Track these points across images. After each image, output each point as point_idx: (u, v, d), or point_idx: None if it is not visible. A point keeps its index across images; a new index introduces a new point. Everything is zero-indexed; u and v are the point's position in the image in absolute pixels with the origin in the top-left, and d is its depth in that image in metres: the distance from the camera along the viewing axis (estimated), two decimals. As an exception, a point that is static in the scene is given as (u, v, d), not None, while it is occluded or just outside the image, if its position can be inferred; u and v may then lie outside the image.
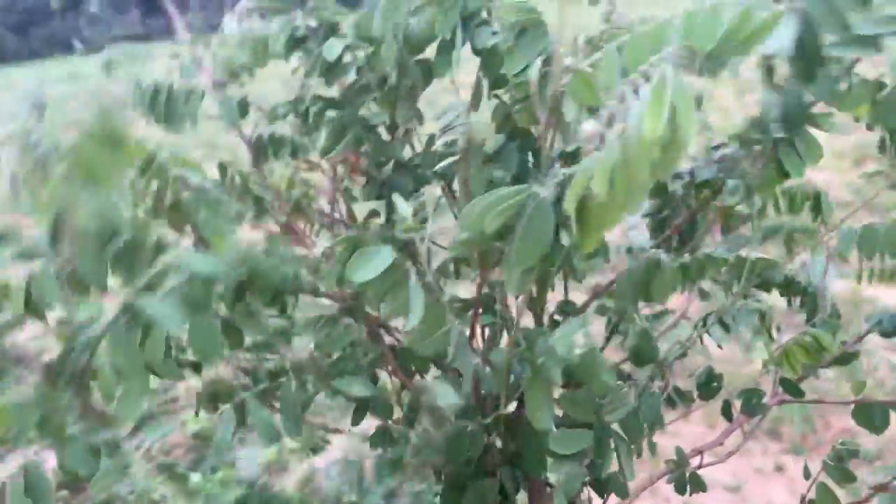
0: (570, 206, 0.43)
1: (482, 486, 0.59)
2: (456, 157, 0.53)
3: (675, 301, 0.90)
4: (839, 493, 0.74)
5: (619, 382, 0.55)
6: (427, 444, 0.53)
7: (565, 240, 0.45)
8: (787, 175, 0.59)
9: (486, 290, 0.60)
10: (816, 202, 0.84)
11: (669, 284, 0.56)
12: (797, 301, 0.83)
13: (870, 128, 0.63)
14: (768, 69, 0.59)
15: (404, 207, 0.57)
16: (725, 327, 0.80)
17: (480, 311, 0.62)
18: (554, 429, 0.54)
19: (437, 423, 0.56)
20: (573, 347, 0.47)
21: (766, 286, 0.82)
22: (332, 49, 0.59)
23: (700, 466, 0.75)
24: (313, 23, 0.62)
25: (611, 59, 0.45)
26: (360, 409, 0.68)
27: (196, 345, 0.63)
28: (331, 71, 0.62)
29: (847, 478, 0.68)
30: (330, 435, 0.82)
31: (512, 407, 0.58)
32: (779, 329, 0.85)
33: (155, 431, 0.48)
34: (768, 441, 2.37)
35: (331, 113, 0.68)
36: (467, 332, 0.60)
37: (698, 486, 0.74)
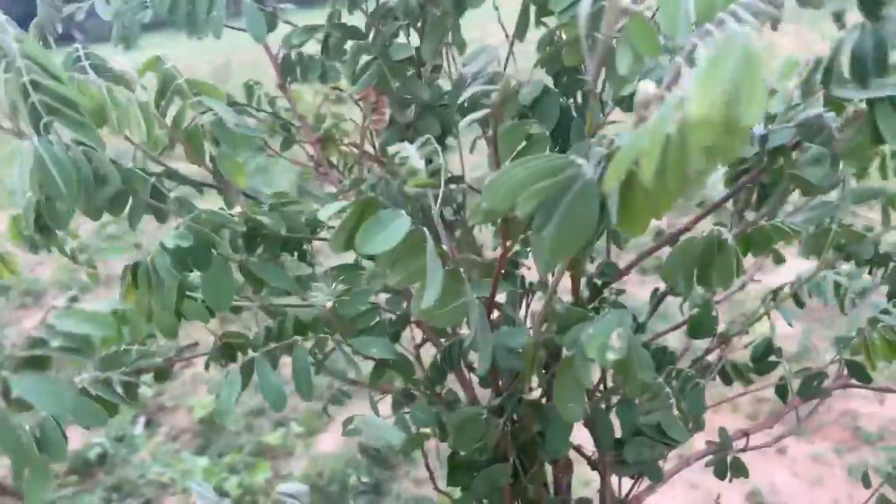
0: (610, 186, 0.35)
1: (493, 472, 0.55)
2: (486, 112, 0.45)
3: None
4: None
5: (658, 380, 0.49)
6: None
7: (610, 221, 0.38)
8: (881, 141, 0.49)
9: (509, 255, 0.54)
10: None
11: (732, 269, 0.48)
12: (879, 274, 0.74)
13: None
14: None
15: (415, 158, 0.50)
16: (800, 303, 0.71)
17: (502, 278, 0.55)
18: (580, 418, 0.49)
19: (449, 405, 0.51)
20: (606, 350, 0.41)
21: (850, 257, 0.73)
22: None
23: (744, 450, 0.69)
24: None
25: (676, 1, 0.36)
26: (380, 367, 0.64)
27: (207, 294, 0.60)
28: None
29: None
30: (349, 388, 0.79)
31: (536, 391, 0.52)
32: (854, 303, 0.76)
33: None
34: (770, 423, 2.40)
35: (353, 43, 0.60)
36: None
37: (740, 471, 0.69)
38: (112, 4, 0.79)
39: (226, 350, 0.69)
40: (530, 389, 0.49)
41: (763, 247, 0.59)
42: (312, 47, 0.77)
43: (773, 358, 0.72)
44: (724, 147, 0.29)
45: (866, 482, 0.65)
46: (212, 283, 0.58)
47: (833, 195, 0.64)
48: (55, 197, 0.51)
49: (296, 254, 0.68)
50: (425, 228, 0.45)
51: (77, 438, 2.32)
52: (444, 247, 0.49)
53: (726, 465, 0.68)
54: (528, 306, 0.66)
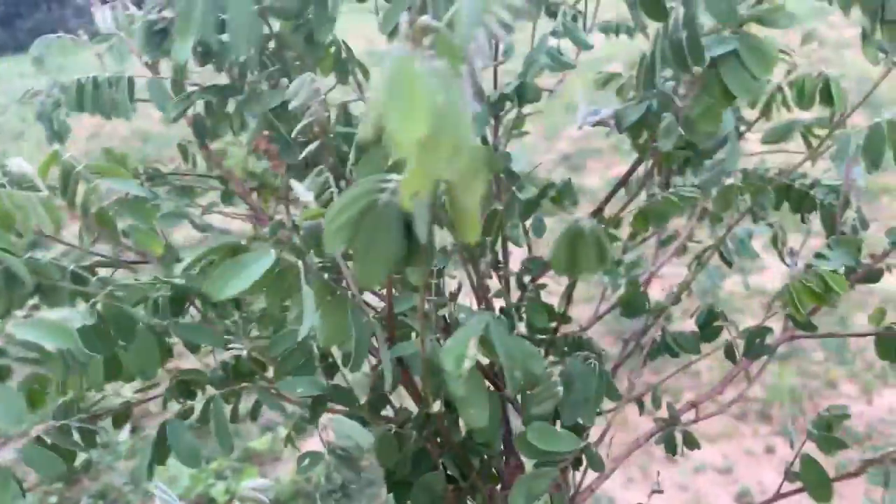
0: (406, 203, 0.36)
1: (426, 481, 0.56)
2: (318, 143, 0.46)
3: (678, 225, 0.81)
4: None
5: (549, 370, 0.49)
6: (342, 461, 0.50)
7: (425, 236, 0.39)
8: (732, 97, 0.49)
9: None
10: (826, 90, 0.71)
11: (594, 256, 0.48)
12: (811, 218, 0.72)
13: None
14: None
15: (303, 192, 0.52)
16: (726, 260, 0.71)
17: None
18: (486, 422, 0.49)
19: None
20: (463, 360, 0.41)
21: (776, 203, 0.72)
22: (181, 50, 0.52)
23: (696, 420, 0.68)
24: (169, 14, 0.55)
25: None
26: (318, 403, 0.66)
27: (133, 363, 0.62)
28: (206, 56, 0.56)
29: (835, 446, 0.59)
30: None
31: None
32: (792, 252, 0.75)
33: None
34: (758, 423, 2.34)
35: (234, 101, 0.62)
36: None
37: (691, 443, 0.68)
38: (36, 106, 0.84)
39: (182, 388, 0.72)
40: (431, 402, 0.50)
41: (660, 219, 0.59)
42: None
43: (717, 323, 0.71)
44: (430, 163, 0.30)
45: (791, 440, 0.63)
46: (137, 353, 0.60)
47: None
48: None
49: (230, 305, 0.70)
50: (300, 261, 0.47)
51: None
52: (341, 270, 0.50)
53: (675, 440, 0.68)
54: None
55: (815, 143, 0.73)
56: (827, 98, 0.71)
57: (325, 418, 0.69)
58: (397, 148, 0.27)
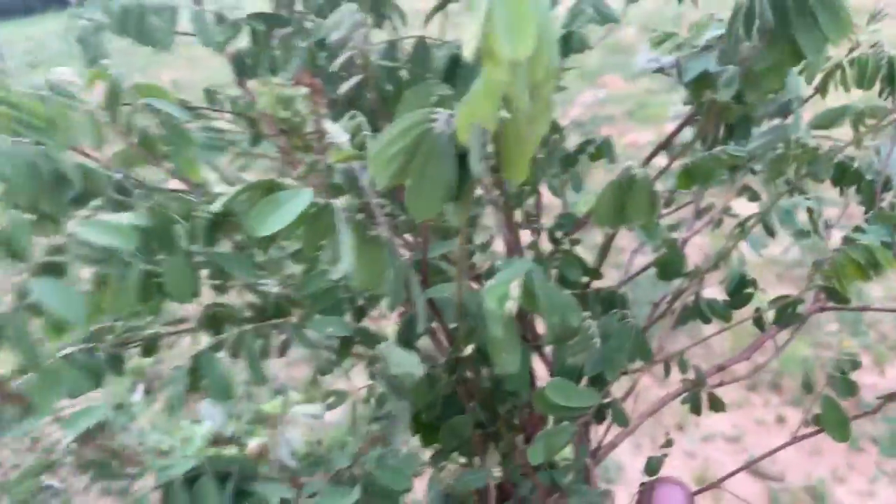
0: (462, 135, 0.35)
1: (455, 424, 0.56)
2: (358, 78, 0.46)
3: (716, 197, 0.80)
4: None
5: (587, 322, 0.49)
6: (393, 389, 0.50)
7: (479, 170, 0.38)
8: (801, 57, 0.47)
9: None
10: (890, 71, 0.69)
11: (645, 203, 0.47)
12: (851, 191, 0.70)
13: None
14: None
15: (338, 133, 0.51)
16: (769, 230, 0.69)
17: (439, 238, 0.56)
18: (518, 368, 0.49)
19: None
20: (506, 299, 0.41)
21: (816, 177, 0.70)
22: None
23: (720, 384, 0.68)
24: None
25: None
26: (346, 344, 0.66)
27: (170, 285, 0.62)
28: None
29: (850, 390, 0.59)
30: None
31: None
32: (828, 225, 0.73)
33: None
34: (769, 393, 2.32)
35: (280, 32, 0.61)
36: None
37: (717, 406, 0.67)
38: (74, 30, 0.83)
39: (211, 321, 0.72)
40: (463, 346, 0.50)
41: (705, 177, 0.58)
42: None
43: (748, 290, 0.70)
44: (517, 83, 0.29)
45: (808, 388, 0.63)
46: (174, 274, 0.61)
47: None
48: (14, 192, 0.54)
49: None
50: (334, 200, 0.47)
51: (76, 406, 2.41)
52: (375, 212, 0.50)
53: (700, 400, 0.67)
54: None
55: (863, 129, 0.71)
56: (889, 80, 0.68)
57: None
58: (495, 65, 0.26)
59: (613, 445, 0.63)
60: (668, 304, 0.70)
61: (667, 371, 0.70)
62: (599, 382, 0.54)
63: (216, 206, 0.48)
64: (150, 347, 0.77)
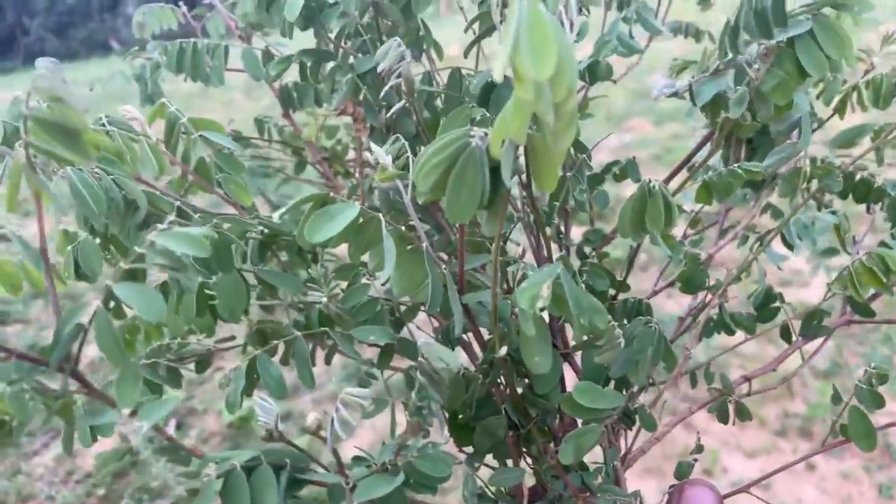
0: (495, 150, 0.40)
1: (489, 424, 0.59)
2: (403, 104, 0.51)
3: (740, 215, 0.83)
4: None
5: (612, 324, 0.52)
6: (433, 383, 0.53)
7: (510, 181, 0.43)
8: (805, 74, 0.51)
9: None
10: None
11: (661, 213, 0.51)
12: (878, 207, 0.73)
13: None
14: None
15: (382, 155, 0.56)
16: (788, 245, 0.72)
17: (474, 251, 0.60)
18: (548, 369, 0.53)
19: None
20: (537, 299, 0.45)
21: (842, 193, 0.73)
22: (293, 6, 0.58)
23: (748, 394, 0.70)
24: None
25: None
26: (386, 353, 0.70)
27: (222, 301, 0.68)
28: (309, 20, 0.61)
29: (877, 402, 0.60)
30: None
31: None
32: (855, 240, 0.76)
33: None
34: (798, 440, 2.28)
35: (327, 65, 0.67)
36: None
37: (744, 414, 0.70)
38: (132, 69, 0.91)
39: (259, 337, 0.77)
40: (497, 348, 0.54)
41: (724, 192, 0.61)
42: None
43: (775, 304, 0.73)
44: (542, 101, 0.33)
45: (836, 400, 0.64)
46: (227, 290, 0.66)
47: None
48: (90, 217, 0.60)
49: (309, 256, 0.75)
50: (379, 213, 0.52)
51: (109, 439, 2.44)
52: (415, 226, 0.55)
53: (727, 409, 0.70)
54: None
55: (884, 146, 0.74)
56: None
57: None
58: (522, 85, 0.30)
59: (643, 451, 0.66)
60: (692, 317, 0.73)
61: (693, 383, 0.72)
62: (625, 385, 0.57)
63: (276, 216, 0.53)
64: (202, 362, 0.82)
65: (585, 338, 0.60)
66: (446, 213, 0.42)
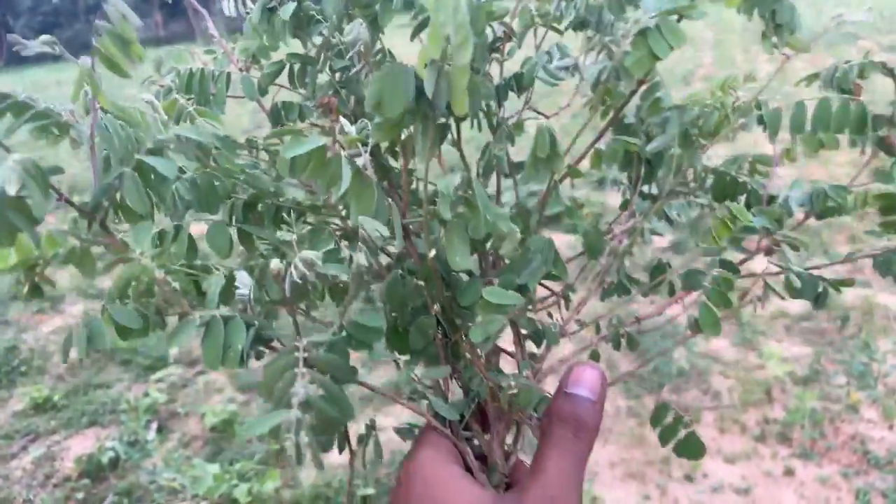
0: (420, 70, 0.58)
1: (421, 324, 0.73)
2: (359, 66, 0.70)
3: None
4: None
5: (514, 229, 0.68)
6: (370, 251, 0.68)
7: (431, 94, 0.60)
8: (657, 57, 0.71)
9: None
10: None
11: (547, 145, 0.68)
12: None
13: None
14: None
15: (347, 125, 0.74)
16: (668, 220, 0.90)
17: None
18: (468, 265, 0.68)
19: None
20: (450, 188, 0.62)
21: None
22: (287, 9, 0.78)
23: (638, 322, 0.85)
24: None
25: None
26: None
27: (210, 243, 0.83)
28: (298, 28, 0.82)
29: (725, 302, 0.75)
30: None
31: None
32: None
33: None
34: (778, 445, 2.39)
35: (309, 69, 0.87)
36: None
37: (632, 344, 0.84)
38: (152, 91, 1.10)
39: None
40: (429, 249, 0.69)
41: (611, 159, 0.80)
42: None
43: (663, 269, 0.89)
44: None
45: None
46: (215, 234, 0.81)
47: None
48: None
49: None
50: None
51: (90, 442, 2.40)
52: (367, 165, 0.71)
53: (619, 340, 0.84)
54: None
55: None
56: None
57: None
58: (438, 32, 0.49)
59: (552, 370, 0.80)
60: (595, 280, 0.89)
61: (597, 329, 0.87)
62: (522, 289, 0.72)
63: (262, 140, 0.70)
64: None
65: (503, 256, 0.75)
66: (383, 107, 0.59)
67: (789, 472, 2.32)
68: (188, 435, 2.75)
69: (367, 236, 0.64)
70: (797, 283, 0.77)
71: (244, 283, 0.67)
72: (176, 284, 0.65)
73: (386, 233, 0.64)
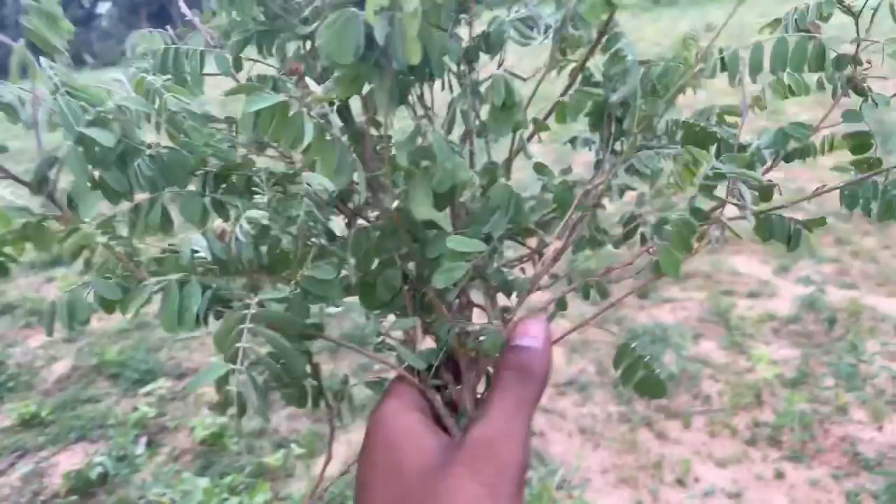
0: (369, 17, 0.59)
1: (388, 276, 0.74)
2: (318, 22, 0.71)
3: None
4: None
5: (473, 175, 0.69)
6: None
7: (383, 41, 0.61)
8: (612, 4, 0.72)
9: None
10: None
11: (502, 93, 0.70)
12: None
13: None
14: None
15: (314, 85, 0.75)
16: (636, 172, 0.91)
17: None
18: (430, 216, 0.69)
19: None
20: (415, 142, 0.63)
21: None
22: None
23: (608, 275, 0.86)
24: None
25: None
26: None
27: (183, 213, 0.84)
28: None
29: (686, 245, 0.76)
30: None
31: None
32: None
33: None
34: (768, 448, 2.39)
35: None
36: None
37: (602, 291, 0.85)
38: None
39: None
40: (392, 198, 0.70)
41: (575, 111, 0.81)
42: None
43: (634, 224, 0.90)
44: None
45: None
46: (187, 204, 0.82)
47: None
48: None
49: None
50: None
51: (78, 457, 2.41)
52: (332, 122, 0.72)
53: (589, 291, 0.85)
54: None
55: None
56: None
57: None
58: None
59: (521, 319, 0.81)
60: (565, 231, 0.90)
61: (568, 281, 0.88)
62: (486, 238, 0.73)
63: (225, 93, 0.71)
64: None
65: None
66: (333, 55, 0.61)
67: (780, 475, 2.31)
68: (178, 449, 2.73)
69: (313, 191, 0.66)
70: (751, 221, 0.77)
71: (201, 247, 0.69)
72: (120, 249, 0.65)
73: (331, 187, 0.65)
